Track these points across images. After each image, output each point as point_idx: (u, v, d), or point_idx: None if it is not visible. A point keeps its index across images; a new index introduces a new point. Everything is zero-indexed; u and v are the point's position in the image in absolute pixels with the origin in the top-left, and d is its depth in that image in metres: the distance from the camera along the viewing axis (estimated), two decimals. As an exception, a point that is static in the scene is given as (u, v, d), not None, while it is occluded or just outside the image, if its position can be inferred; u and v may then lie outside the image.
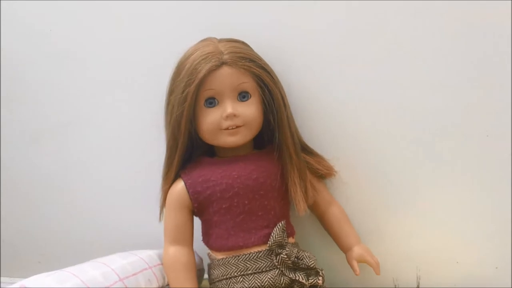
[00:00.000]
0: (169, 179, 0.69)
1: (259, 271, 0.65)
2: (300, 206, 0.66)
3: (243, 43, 0.69)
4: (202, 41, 0.68)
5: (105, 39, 0.81)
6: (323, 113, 0.73)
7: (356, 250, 0.69)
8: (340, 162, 0.73)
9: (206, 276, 0.74)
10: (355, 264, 0.68)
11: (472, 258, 0.72)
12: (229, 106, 0.65)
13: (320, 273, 0.65)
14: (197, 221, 0.71)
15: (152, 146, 0.73)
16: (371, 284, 0.75)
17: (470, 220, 0.71)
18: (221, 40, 0.68)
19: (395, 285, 0.73)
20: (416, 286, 0.72)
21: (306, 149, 0.72)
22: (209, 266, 0.70)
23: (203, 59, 0.64)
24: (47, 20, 0.83)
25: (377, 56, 0.70)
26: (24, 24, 0.85)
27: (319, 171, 0.71)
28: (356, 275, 0.67)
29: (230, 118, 0.65)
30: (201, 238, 0.71)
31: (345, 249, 0.71)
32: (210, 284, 0.70)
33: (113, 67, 0.82)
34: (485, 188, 0.70)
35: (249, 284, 0.64)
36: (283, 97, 0.67)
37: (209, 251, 0.70)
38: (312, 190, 0.69)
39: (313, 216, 0.74)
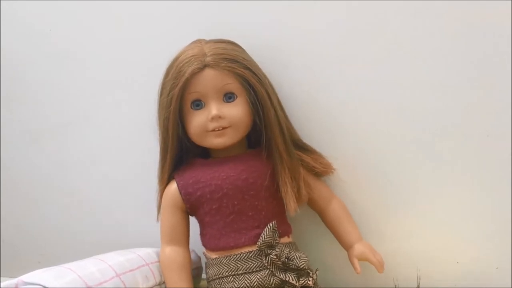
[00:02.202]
0: (163, 180, 0.70)
1: (250, 271, 0.65)
2: (291, 206, 0.66)
3: (232, 43, 0.68)
4: (192, 42, 0.69)
5: (105, 39, 0.81)
6: (322, 113, 0.73)
7: (358, 248, 0.69)
8: (340, 162, 0.73)
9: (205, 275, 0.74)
10: (355, 262, 0.68)
11: (472, 258, 0.72)
12: (214, 108, 0.65)
13: (311, 274, 0.65)
14: (195, 221, 0.71)
15: (152, 146, 0.73)
16: (371, 284, 0.75)
17: (470, 220, 0.71)
18: (208, 42, 0.68)
19: (395, 285, 0.73)
20: (416, 286, 0.72)
21: (302, 147, 0.72)
22: (206, 265, 0.71)
23: (186, 62, 0.64)
24: (47, 20, 0.83)
25: (377, 56, 0.70)
26: (24, 24, 0.85)
27: (315, 169, 0.71)
28: (357, 273, 0.67)
29: (216, 120, 0.65)
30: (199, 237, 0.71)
31: (346, 247, 0.71)
32: (208, 282, 0.70)
33: (113, 67, 0.82)
34: (485, 188, 0.70)
35: (239, 284, 0.64)
36: (270, 97, 0.67)
37: (204, 250, 0.70)
38: (307, 189, 0.69)
39: (311, 213, 0.74)
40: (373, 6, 0.69)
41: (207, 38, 0.69)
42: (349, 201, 0.74)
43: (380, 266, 0.68)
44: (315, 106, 0.73)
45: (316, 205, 0.73)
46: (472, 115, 0.68)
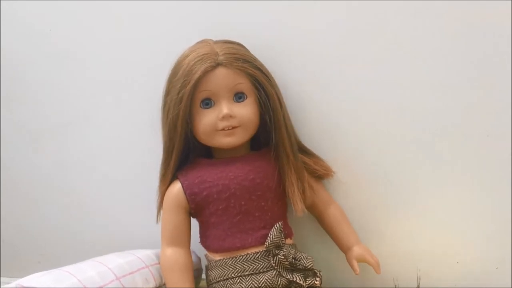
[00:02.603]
0: (166, 181, 0.69)
1: (257, 272, 0.65)
2: (298, 207, 0.66)
3: (239, 44, 0.69)
4: (198, 42, 0.69)
5: (105, 39, 0.81)
6: (322, 113, 0.73)
7: (356, 250, 0.69)
8: (340, 162, 0.73)
9: (204, 276, 0.74)
10: (355, 263, 0.68)
11: (472, 258, 0.72)
12: (225, 107, 0.65)
13: (318, 274, 0.65)
14: (195, 222, 0.71)
15: (152, 147, 0.73)
16: (371, 284, 0.75)
17: (470, 220, 0.71)
18: (217, 42, 0.68)
19: (395, 285, 0.73)
20: (416, 286, 0.72)
21: (304, 150, 0.72)
22: (207, 267, 0.70)
23: (198, 60, 0.64)
24: (47, 20, 0.83)
25: (377, 56, 0.70)
26: (24, 24, 0.85)
27: (317, 171, 0.71)
28: (356, 274, 0.67)
29: (226, 119, 0.65)
30: (199, 239, 0.71)
31: (344, 249, 0.71)
32: (208, 285, 0.69)
33: (113, 67, 0.82)
34: (485, 188, 0.70)
35: (246, 285, 0.64)
36: (279, 98, 0.67)
37: (206, 252, 0.70)
38: (310, 191, 0.69)
39: (311, 217, 0.74)
40: (373, 6, 0.69)
41: (208, 38, 0.69)
42: (349, 201, 0.74)
43: (378, 267, 0.68)
44: (315, 107, 0.73)
45: (316, 208, 0.73)
46: (472, 115, 0.68)
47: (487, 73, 0.67)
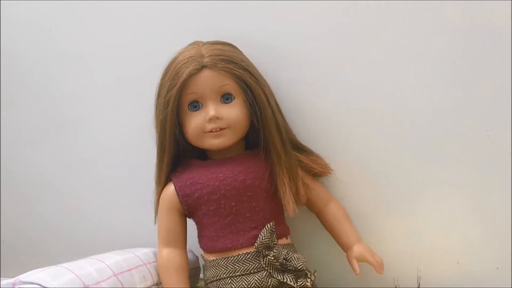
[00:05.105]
0: (161, 182, 0.70)
1: (247, 272, 0.65)
2: (290, 207, 0.66)
3: (229, 45, 0.69)
4: (188, 45, 0.69)
5: (106, 39, 0.82)
6: (320, 113, 0.73)
7: (356, 249, 0.69)
8: (338, 162, 0.73)
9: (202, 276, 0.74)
10: (355, 263, 0.68)
11: (473, 258, 0.72)
12: (212, 109, 0.65)
13: (309, 275, 0.64)
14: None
15: (152, 147, 0.73)
16: (371, 284, 0.74)
17: (470, 220, 0.71)
18: (206, 43, 0.68)
19: (395, 285, 0.73)
20: (416, 286, 0.72)
21: (300, 148, 0.72)
22: (203, 267, 0.71)
23: (184, 64, 0.65)
24: (47, 20, 0.84)
25: (376, 56, 0.70)
26: (24, 24, 0.85)
27: (313, 169, 0.71)
28: (356, 274, 0.67)
29: (213, 121, 0.65)
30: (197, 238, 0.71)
31: (345, 248, 0.71)
32: (205, 284, 0.70)
33: (113, 67, 0.82)
34: (485, 188, 0.69)
35: (236, 285, 0.64)
36: (267, 97, 0.67)
37: (202, 252, 0.70)
38: (305, 189, 0.69)
39: (310, 214, 0.74)
40: (371, 6, 0.69)
41: (207, 39, 0.69)
42: (348, 201, 0.74)
43: (378, 267, 0.67)
44: (313, 107, 0.73)
45: (315, 206, 0.73)
46: (472, 115, 0.68)
47: (487, 73, 0.67)
